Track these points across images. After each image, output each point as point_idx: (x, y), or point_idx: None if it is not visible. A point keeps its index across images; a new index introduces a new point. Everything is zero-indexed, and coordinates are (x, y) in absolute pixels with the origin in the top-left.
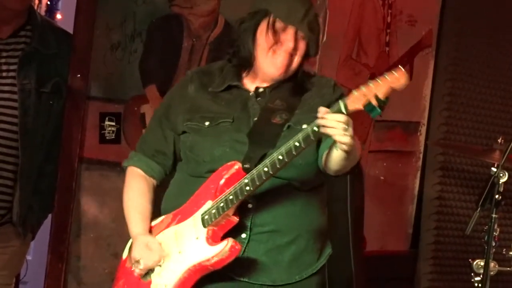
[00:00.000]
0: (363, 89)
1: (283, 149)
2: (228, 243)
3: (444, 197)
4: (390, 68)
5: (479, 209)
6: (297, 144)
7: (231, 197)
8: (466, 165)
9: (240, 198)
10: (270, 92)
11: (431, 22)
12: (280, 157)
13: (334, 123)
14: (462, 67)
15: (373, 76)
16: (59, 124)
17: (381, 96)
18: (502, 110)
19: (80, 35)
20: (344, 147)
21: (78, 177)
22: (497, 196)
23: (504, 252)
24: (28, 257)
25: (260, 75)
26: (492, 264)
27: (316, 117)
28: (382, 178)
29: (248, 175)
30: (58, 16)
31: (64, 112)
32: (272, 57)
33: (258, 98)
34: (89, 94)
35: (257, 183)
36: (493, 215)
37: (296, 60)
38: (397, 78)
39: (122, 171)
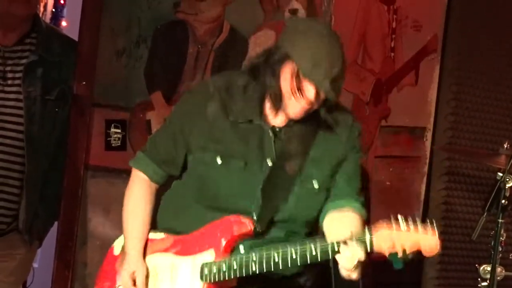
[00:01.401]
0: (394, 234)
1: (298, 249)
2: None
3: (450, 202)
4: (398, 76)
5: (485, 214)
6: (313, 253)
7: (235, 266)
8: (472, 170)
9: (244, 273)
10: (287, 132)
11: (436, 27)
12: (294, 256)
13: (353, 259)
14: (468, 72)
15: (379, 82)
16: (65, 132)
17: (408, 252)
18: (508, 114)
19: (85, 42)
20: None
21: (84, 184)
22: (503, 201)
23: (511, 257)
24: (35, 265)
25: (279, 110)
26: (498, 269)
27: (326, 171)
28: (388, 183)
29: (257, 256)
30: (63, 23)
31: (69, 119)
32: (291, 102)
33: (275, 138)
34: (94, 101)
35: (264, 269)
36: (500, 220)
37: (316, 106)
38: (430, 248)
39: (128, 178)
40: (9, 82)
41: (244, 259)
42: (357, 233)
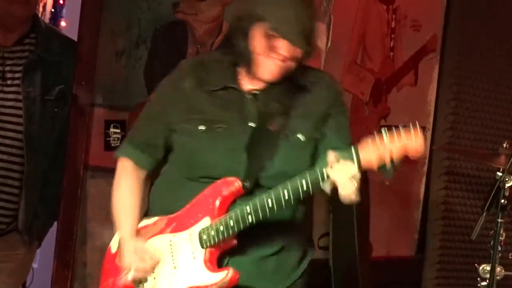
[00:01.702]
0: (379, 146)
1: (290, 187)
2: (229, 273)
3: (449, 202)
4: (397, 76)
5: (484, 213)
6: (305, 187)
7: (232, 223)
8: (471, 169)
9: (241, 227)
10: (265, 95)
11: (435, 26)
12: (286, 196)
13: (345, 175)
14: (467, 71)
15: (378, 82)
16: (64, 132)
17: (396, 160)
18: (508, 114)
19: (85, 42)
20: (347, 199)
21: (84, 184)
22: (502, 201)
23: (510, 257)
24: (34, 265)
25: (254, 75)
26: (498, 269)
27: (311, 124)
28: (387, 183)
29: (251, 205)
30: (63, 23)
31: (69, 119)
32: (268, 62)
33: (254, 101)
34: (94, 101)
35: (260, 216)
36: (499, 220)
37: (291, 66)
38: (416, 149)
39: None
40: (9, 82)
41: (239, 213)
42: (342, 154)
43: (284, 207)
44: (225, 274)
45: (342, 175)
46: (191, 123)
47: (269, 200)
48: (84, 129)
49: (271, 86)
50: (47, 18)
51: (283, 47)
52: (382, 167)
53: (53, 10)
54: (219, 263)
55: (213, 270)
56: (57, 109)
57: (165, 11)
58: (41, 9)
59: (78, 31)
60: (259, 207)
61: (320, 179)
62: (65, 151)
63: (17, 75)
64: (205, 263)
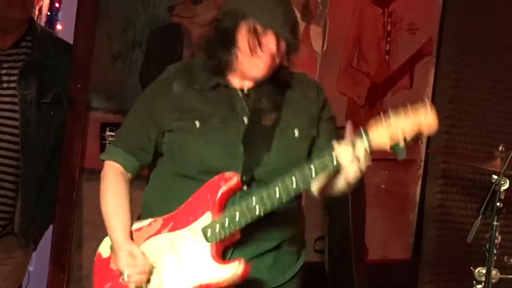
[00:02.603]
0: (391, 125)
1: (298, 177)
2: (241, 265)
3: (445, 205)
4: (393, 79)
5: (480, 217)
6: (313, 174)
7: (237, 218)
8: (467, 173)
9: (249, 219)
10: (255, 92)
11: (431, 30)
12: (295, 186)
13: (355, 161)
14: (463, 74)
15: (374, 85)
16: (60, 135)
17: (409, 139)
18: (503, 117)
19: (80, 46)
20: (352, 181)
21: (79, 187)
22: (498, 204)
23: (505, 260)
24: (30, 268)
25: (242, 75)
26: (493, 272)
27: (305, 121)
28: (383, 186)
29: (257, 197)
30: (58, 26)
31: (65, 122)
32: (255, 60)
33: (244, 98)
34: (89, 105)
35: (268, 207)
36: (495, 223)
37: (278, 60)
38: (429, 125)
39: None
40: (5, 85)
41: (245, 206)
42: (353, 138)
43: (292, 195)
44: (237, 267)
45: (348, 155)
46: (185, 120)
47: (276, 189)
48: (80, 132)
49: (260, 84)
50: (43, 21)
51: (273, 43)
52: (394, 146)
53: (49, 13)
54: (223, 257)
55: (222, 264)
56: (53, 112)
57: (160, 14)
58: (37, 12)
59: (74, 34)
60: (267, 198)
61: (329, 163)
62: (61, 154)
63: (13, 78)
64: (213, 258)
